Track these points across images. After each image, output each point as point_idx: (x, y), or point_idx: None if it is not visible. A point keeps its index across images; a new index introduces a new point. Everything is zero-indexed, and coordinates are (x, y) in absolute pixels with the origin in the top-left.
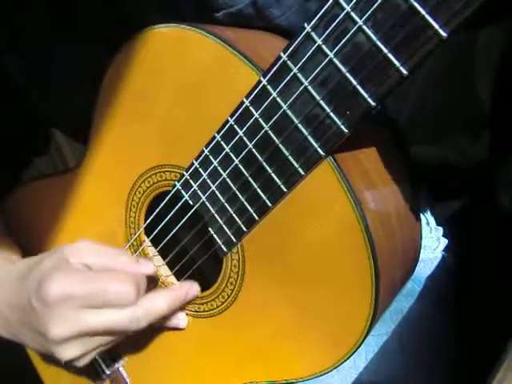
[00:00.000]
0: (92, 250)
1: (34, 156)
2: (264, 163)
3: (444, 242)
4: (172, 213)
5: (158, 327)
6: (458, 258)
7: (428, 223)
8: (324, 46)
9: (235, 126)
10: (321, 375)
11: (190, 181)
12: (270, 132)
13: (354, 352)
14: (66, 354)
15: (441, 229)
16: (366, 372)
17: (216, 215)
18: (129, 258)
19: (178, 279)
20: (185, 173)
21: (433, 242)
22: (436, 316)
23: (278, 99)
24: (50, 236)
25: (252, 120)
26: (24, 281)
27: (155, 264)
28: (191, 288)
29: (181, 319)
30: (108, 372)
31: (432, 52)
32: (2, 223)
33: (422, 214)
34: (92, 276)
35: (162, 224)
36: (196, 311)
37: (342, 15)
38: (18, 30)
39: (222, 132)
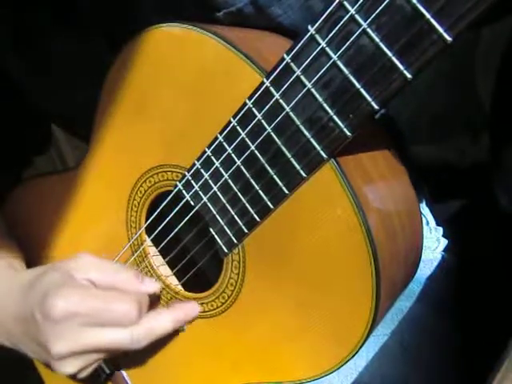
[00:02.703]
0: (94, 264)
1: (34, 155)
2: (266, 165)
3: (444, 242)
4: (173, 213)
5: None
6: (457, 259)
7: (428, 223)
8: (328, 49)
9: (238, 127)
10: (321, 377)
11: (192, 181)
12: (272, 134)
13: (355, 354)
14: (66, 369)
15: (441, 229)
16: (366, 372)
17: (217, 216)
18: (131, 273)
19: (179, 279)
20: (186, 173)
21: (432, 243)
22: (436, 316)
23: (281, 101)
24: (51, 235)
25: (255, 121)
26: (27, 294)
27: (156, 264)
28: (192, 309)
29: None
30: (108, 371)
31: (436, 56)
32: (3, 226)
33: (422, 215)
34: (96, 294)
35: (163, 224)
36: None
37: (346, 18)
38: (18, 30)
39: (224, 133)
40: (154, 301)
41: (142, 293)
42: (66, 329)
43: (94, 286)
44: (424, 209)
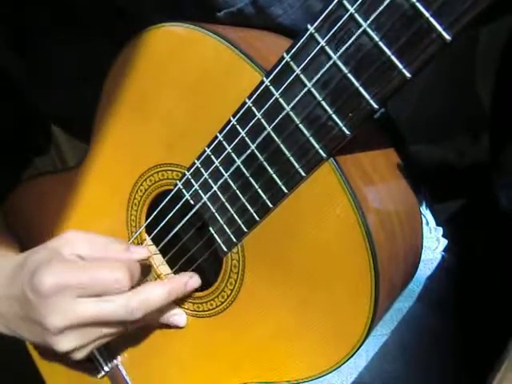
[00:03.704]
0: (83, 240)
1: (35, 155)
2: (265, 164)
3: (444, 242)
4: (173, 212)
5: (156, 325)
6: (457, 259)
7: (428, 223)
8: (327, 48)
9: (237, 126)
10: (320, 377)
11: (192, 180)
12: (271, 133)
13: (354, 354)
14: (64, 345)
15: (440, 229)
16: (366, 372)
17: (217, 215)
18: (119, 245)
19: None
20: (186, 172)
21: (432, 243)
22: (436, 316)
23: (281, 100)
24: (51, 234)
25: (254, 120)
26: (17, 275)
27: (156, 263)
28: (191, 279)
29: (180, 317)
30: (107, 369)
31: (435, 55)
32: (2, 226)
33: (421, 215)
34: (84, 265)
35: (163, 223)
36: (195, 311)
37: (345, 17)
38: (18, 30)
39: (224, 132)
40: (146, 270)
41: (132, 260)
42: (59, 302)
43: (83, 259)
44: (424, 209)
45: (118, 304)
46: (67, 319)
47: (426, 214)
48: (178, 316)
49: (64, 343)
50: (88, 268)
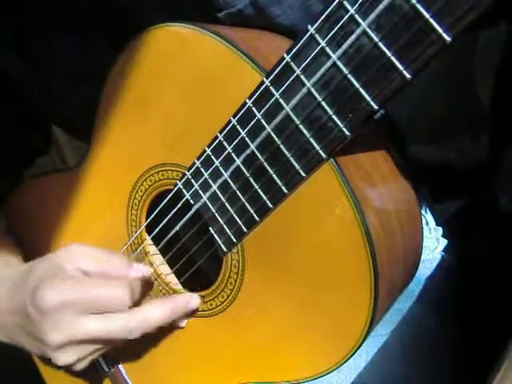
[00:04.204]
0: (86, 255)
1: (36, 156)
2: (265, 164)
3: (443, 242)
4: (173, 212)
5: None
6: (457, 259)
7: (427, 223)
8: (327, 48)
9: (238, 127)
10: (320, 376)
11: (192, 180)
12: (271, 133)
13: (353, 354)
14: (63, 360)
15: (440, 229)
16: (366, 372)
17: (217, 215)
18: (121, 260)
19: (179, 278)
20: (186, 172)
21: (432, 243)
22: (436, 316)
23: (281, 100)
24: (52, 234)
25: (254, 121)
26: (19, 288)
27: (156, 263)
28: (192, 299)
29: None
30: (107, 370)
31: (435, 56)
32: (2, 223)
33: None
34: (85, 283)
35: (164, 223)
36: (195, 311)
37: (346, 17)
38: (18, 30)
39: (224, 132)
40: (147, 288)
41: (133, 278)
42: (60, 319)
43: (86, 275)
44: (424, 209)
45: (117, 324)
46: (67, 336)
47: (426, 214)
48: (179, 322)
49: (63, 358)
50: (90, 285)
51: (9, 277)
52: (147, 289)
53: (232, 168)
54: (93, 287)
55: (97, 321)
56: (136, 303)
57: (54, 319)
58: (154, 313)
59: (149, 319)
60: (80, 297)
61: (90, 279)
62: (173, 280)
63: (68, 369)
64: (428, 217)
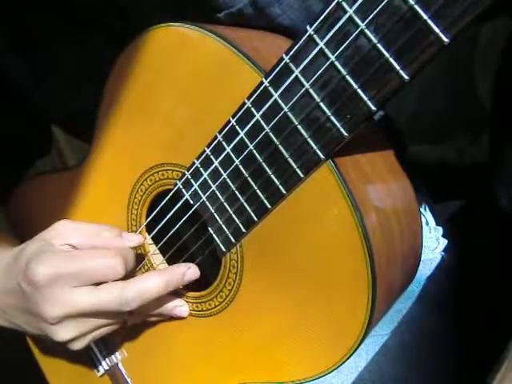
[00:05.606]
0: (74, 230)
1: (36, 156)
2: (264, 164)
3: (443, 242)
4: (173, 211)
5: (158, 319)
6: (457, 259)
7: (427, 223)
8: (326, 49)
9: (237, 127)
10: (319, 377)
11: (191, 180)
12: (270, 133)
13: (352, 354)
14: (62, 335)
15: (440, 229)
16: (366, 372)
17: (215, 215)
18: (112, 232)
19: None
20: (186, 172)
21: (432, 243)
22: (435, 316)
23: (280, 101)
24: None
25: (253, 121)
26: (11, 268)
27: (156, 262)
28: (189, 269)
29: (182, 308)
30: (107, 367)
31: (434, 57)
32: (2, 218)
33: (421, 215)
34: (76, 254)
35: (163, 222)
36: (194, 310)
37: (344, 18)
38: (18, 30)
39: (223, 132)
40: (141, 258)
41: (126, 247)
42: (55, 292)
43: (75, 249)
44: (424, 209)
45: (112, 293)
46: (63, 309)
47: (426, 214)
48: (179, 307)
49: (62, 333)
50: (80, 256)
51: (1, 259)
52: (141, 259)
53: (231, 168)
54: (84, 258)
55: (91, 291)
56: (131, 275)
57: (49, 292)
58: (150, 283)
59: (145, 289)
60: (72, 268)
61: (80, 251)
62: None
63: (66, 348)
64: (428, 217)
